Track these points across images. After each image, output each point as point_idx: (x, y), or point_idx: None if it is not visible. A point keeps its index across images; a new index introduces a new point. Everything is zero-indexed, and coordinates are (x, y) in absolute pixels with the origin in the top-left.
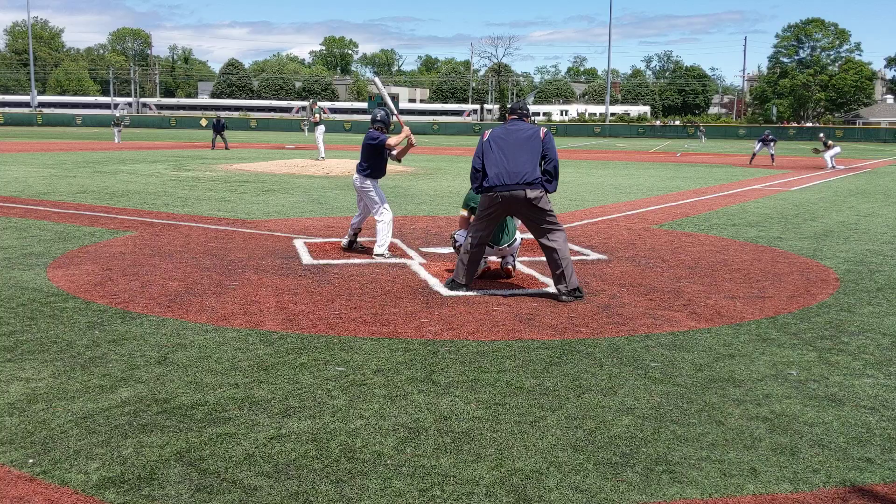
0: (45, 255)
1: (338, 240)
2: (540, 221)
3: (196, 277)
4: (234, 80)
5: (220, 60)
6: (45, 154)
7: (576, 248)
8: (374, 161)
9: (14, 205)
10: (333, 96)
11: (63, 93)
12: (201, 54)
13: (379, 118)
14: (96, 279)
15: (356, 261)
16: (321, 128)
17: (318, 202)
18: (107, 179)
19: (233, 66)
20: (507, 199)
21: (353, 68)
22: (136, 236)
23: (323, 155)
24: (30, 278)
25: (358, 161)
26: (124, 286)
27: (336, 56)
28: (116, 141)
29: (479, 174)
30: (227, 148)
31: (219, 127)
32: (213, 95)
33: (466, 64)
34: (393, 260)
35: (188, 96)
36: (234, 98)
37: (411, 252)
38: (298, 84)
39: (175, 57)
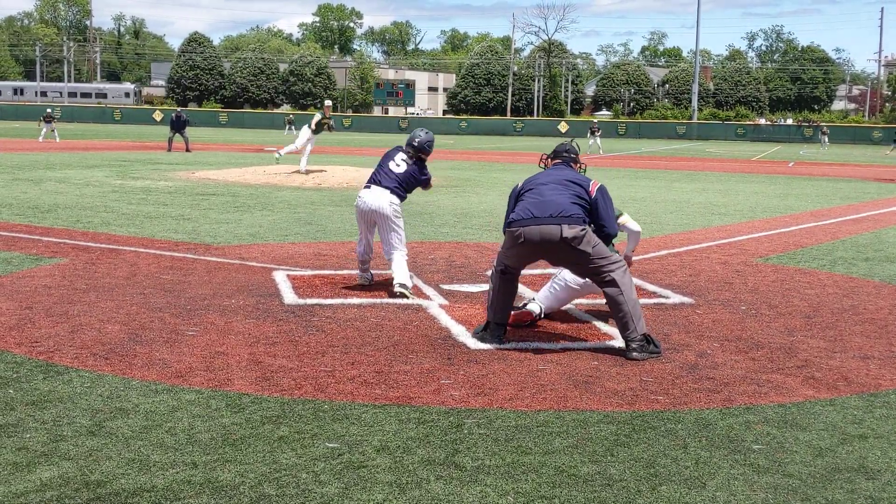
0: None
1: (332, 272)
2: (586, 264)
3: (144, 320)
4: (197, 61)
5: (181, 35)
6: None
7: (650, 286)
8: (411, 189)
9: None
10: (329, 83)
11: None
12: (157, 27)
13: (428, 146)
14: (11, 321)
15: (355, 300)
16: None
17: (306, 222)
18: (29, 189)
19: (196, 42)
20: (532, 237)
21: (355, 47)
22: (67, 265)
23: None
24: None
25: (392, 185)
26: (49, 331)
27: (333, 31)
28: (41, 140)
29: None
30: (188, 150)
31: (178, 124)
32: (172, 81)
33: (506, 41)
34: (405, 301)
35: (139, 81)
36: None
37: (428, 290)
38: (284, 66)
39: (122, 30)
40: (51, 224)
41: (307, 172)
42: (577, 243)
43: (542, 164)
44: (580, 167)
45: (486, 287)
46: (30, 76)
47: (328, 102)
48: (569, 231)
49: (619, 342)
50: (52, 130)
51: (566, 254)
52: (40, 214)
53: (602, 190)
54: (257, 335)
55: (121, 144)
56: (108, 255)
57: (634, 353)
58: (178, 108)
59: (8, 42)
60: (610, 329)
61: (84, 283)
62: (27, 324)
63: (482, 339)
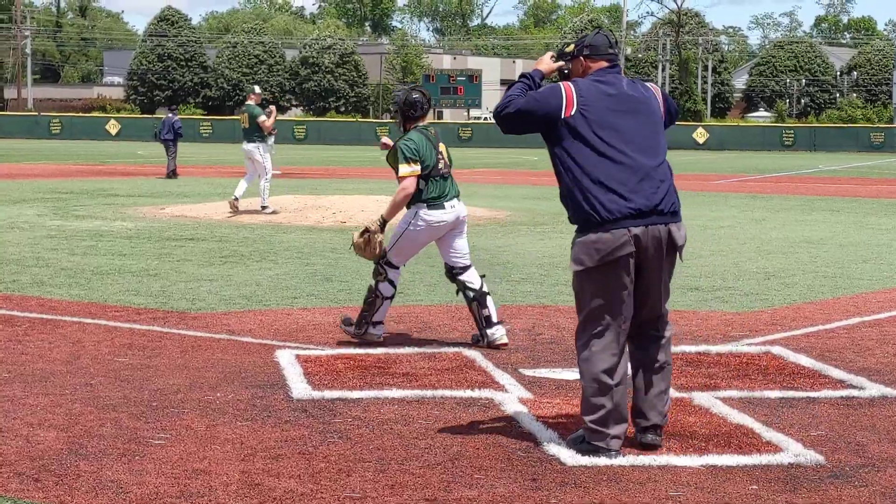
0: None
1: (361, 352)
2: (662, 286)
3: (91, 423)
4: (170, 49)
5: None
6: None
7: (835, 372)
8: None
9: None
10: (357, 75)
11: None
12: (113, 1)
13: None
14: None
15: (395, 392)
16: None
17: (324, 278)
18: None
19: (168, 21)
20: (641, 241)
21: (394, 23)
22: None
23: (265, 203)
24: None
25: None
26: None
27: (364, 1)
28: None
29: (521, 114)
30: (174, 174)
31: (172, 134)
32: (134, 76)
33: (615, 11)
34: (468, 393)
35: (87, 79)
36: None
37: (503, 377)
38: (293, 54)
39: (62, 5)
40: None
41: (234, 208)
42: (682, 250)
43: (565, 70)
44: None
45: None
46: None
47: (258, 89)
48: (678, 232)
49: (788, 456)
50: None
51: (658, 261)
52: None
53: (666, 95)
54: (254, 445)
55: (60, 168)
56: (40, 328)
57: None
58: (173, 113)
59: None
60: (774, 434)
61: (5, 370)
62: None
63: (584, 451)
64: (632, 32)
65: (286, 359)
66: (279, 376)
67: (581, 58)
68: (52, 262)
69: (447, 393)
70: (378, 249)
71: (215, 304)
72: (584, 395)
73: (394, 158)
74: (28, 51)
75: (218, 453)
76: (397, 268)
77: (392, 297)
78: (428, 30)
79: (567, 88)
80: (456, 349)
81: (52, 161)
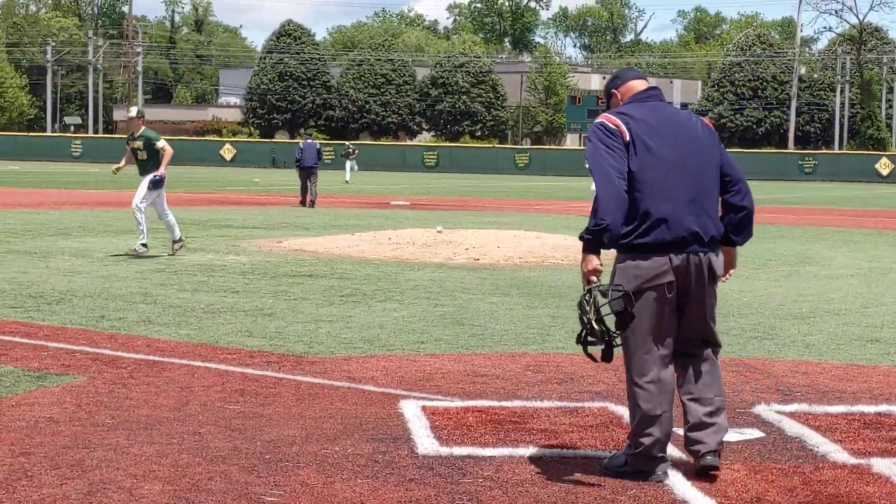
0: None
1: (495, 404)
2: (707, 314)
3: (198, 476)
4: (291, 67)
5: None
6: None
7: None
8: None
9: None
10: (494, 96)
11: None
12: (230, 14)
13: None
14: None
15: (531, 450)
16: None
17: (454, 322)
18: (30, 267)
19: (289, 35)
20: (682, 269)
21: (537, 39)
22: (83, 386)
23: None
24: None
25: None
26: (54, 491)
27: (504, 15)
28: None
29: (618, 203)
30: (311, 203)
31: (310, 160)
32: (252, 97)
33: (787, 26)
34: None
35: (200, 99)
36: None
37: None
38: (424, 73)
39: (177, 19)
40: (61, 322)
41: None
42: (717, 279)
43: (612, 97)
44: None
45: (758, 432)
46: (34, 90)
47: (133, 111)
48: (717, 260)
49: None
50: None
51: (697, 288)
52: (46, 307)
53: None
54: None
55: (169, 197)
56: (146, 371)
57: (707, 458)
58: (309, 137)
59: (5, 39)
60: None
61: (109, 415)
62: (21, 479)
63: (626, 476)
64: (806, 50)
65: (411, 410)
66: (403, 429)
67: (616, 90)
68: (160, 299)
69: (590, 453)
70: None
71: (335, 347)
72: (632, 424)
73: None
74: (139, 69)
75: None
76: None
77: None
78: (574, 46)
79: (607, 118)
80: (601, 404)
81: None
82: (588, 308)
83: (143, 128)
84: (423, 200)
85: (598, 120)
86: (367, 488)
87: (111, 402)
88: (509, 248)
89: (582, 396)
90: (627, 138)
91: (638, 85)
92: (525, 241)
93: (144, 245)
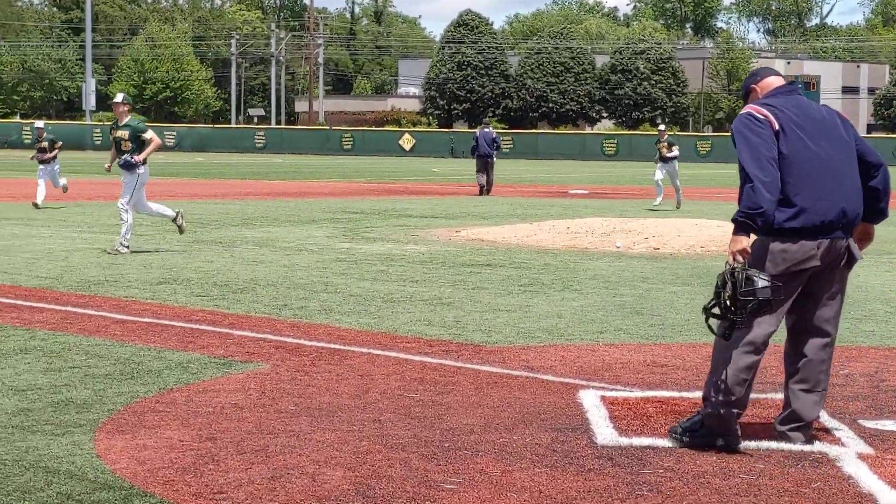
0: (93, 407)
1: (675, 395)
2: (837, 292)
3: (379, 462)
4: (469, 57)
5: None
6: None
7: None
8: None
9: (45, 304)
10: (675, 83)
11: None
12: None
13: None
14: (186, 460)
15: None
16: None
17: (634, 311)
18: (215, 257)
19: (466, 26)
20: (826, 253)
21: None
22: (267, 374)
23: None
24: (64, 453)
25: None
26: (239, 475)
27: (684, 2)
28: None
29: (772, 188)
30: (486, 191)
31: (485, 149)
32: (431, 87)
33: None
34: (799, 445)
35: (380, 90)
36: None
37: (840, 429)
38: (603, 60)
39: (356, 11)
40: (245, 311)
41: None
42: (854, 261)
43: (752, 92)
44: None
45: None
46: (219, 82)
47: (119, 96)
48: (854, 243)
49: None
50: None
51: (830, 273)
52: (231, 295)
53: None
54: (553, 494)
55: (350, 187)
56: (328, 359)
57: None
58: (487, 124)
59: (191, 33)
60: None
61: (292, 402)
62: (208, 464)
63: (700, 438)
64: None
65: (590, 400)
66: (582, 419)
67: (755, 86)
68: (340, 288)
69: (773, 445)
70: None
71: (513, 337)
72: (717, 382)
73: None
74: (320, 60)
75: (514, 502)
76: None
77: None
78: (758, 31)
79: (753, 108)
80: (783, 395)
81: (342, 179)
82: (728, 285)
83: (129, 116)
84: (602, 189)
85: (744, 110)
86: (546, 478)
87: (294, 390)
88: (690, 236)
89: (764, 387)
90: (776, 127)
91: (776, 81)
92: (707, 230)
93: (126, 246)
